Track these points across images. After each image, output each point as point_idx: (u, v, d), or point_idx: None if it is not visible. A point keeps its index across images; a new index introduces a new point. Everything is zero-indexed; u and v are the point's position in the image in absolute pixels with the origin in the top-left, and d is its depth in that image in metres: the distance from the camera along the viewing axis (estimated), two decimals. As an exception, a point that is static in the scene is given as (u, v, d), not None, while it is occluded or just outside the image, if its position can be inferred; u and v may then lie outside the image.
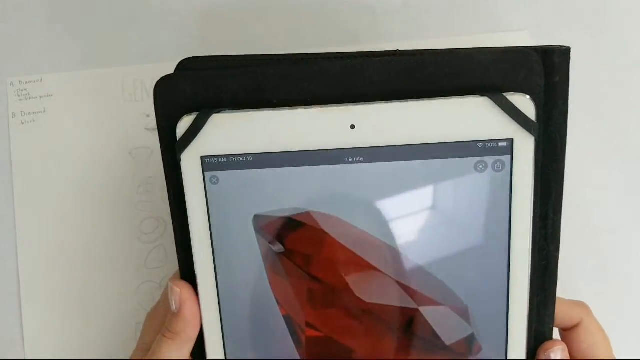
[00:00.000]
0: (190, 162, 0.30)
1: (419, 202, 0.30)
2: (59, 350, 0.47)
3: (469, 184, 0.30)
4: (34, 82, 0.49)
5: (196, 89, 0.30)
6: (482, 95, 0.28)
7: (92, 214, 0.48)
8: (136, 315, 0.47)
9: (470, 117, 0.28)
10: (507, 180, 0.29)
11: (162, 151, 0.31)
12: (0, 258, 0.48)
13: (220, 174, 0.30)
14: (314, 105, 0.29)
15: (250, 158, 0.30)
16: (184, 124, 0.30)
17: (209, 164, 0.30)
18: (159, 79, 0.30)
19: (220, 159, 0.30)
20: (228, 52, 0.50)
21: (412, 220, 0.31)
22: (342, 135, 0.29)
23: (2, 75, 0.49)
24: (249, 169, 0.30)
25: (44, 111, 0.49)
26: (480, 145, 0.29)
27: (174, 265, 0.48)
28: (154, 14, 0.49)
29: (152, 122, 0.48)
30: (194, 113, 0.30)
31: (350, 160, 0.30)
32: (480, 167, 0.29)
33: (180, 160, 0.30)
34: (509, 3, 0.48)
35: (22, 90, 0.49)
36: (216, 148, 0.30)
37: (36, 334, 0.47)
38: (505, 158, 0.29)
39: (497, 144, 0.29)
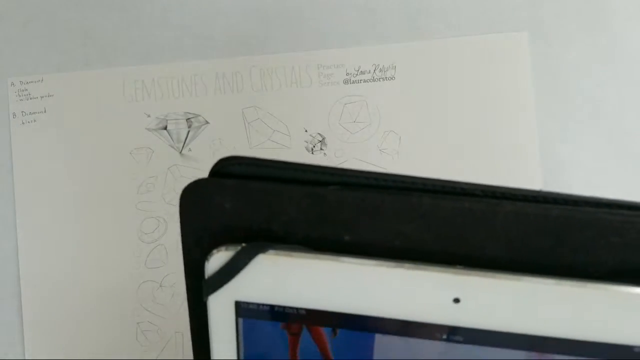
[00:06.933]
0: (220, 305, 0.23)
1: None
2: (59, 350, 0.47)
3: None
4: (35, 82, 0.49)
5: (239, 207, 0.22)
6: None
7: (92, 214, 0.48)
8: (136, 315, 0.47)
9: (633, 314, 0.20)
10: None
11: (185, 276, 0.24)
12: (0, 258, 0.48)
13: (258, 324, 0.23)
14: (400, 254, 0.21)
15: (304, 312, 0.22)
16: (217, 260, 0.22)
17: (246, 310, 0.23)
18: (189, 183, 0.22)
19: (261, 307, 0.22)
20: (228, 56, 0.51)
21: None
22: (439, 308, 0.21)
23: (3, 75, 0.49)
24: (300, 323, 0.22)
25: (45, 111, 0.49)
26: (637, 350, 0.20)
27: (174, 264, 0.48)
28: (154, 14, 0.49)
29: (153, 122, 0.48)
30: (232, 247, 0.22)
31: (444, 337, 0.21)
32: None
33: (207, 300, 0.23)
34: (509, 3, 0.48)
35: (22, 91, 0.49)
36: (258, 295, 0.22)
37: (36, 334, 0.47)
38: None
39: None
